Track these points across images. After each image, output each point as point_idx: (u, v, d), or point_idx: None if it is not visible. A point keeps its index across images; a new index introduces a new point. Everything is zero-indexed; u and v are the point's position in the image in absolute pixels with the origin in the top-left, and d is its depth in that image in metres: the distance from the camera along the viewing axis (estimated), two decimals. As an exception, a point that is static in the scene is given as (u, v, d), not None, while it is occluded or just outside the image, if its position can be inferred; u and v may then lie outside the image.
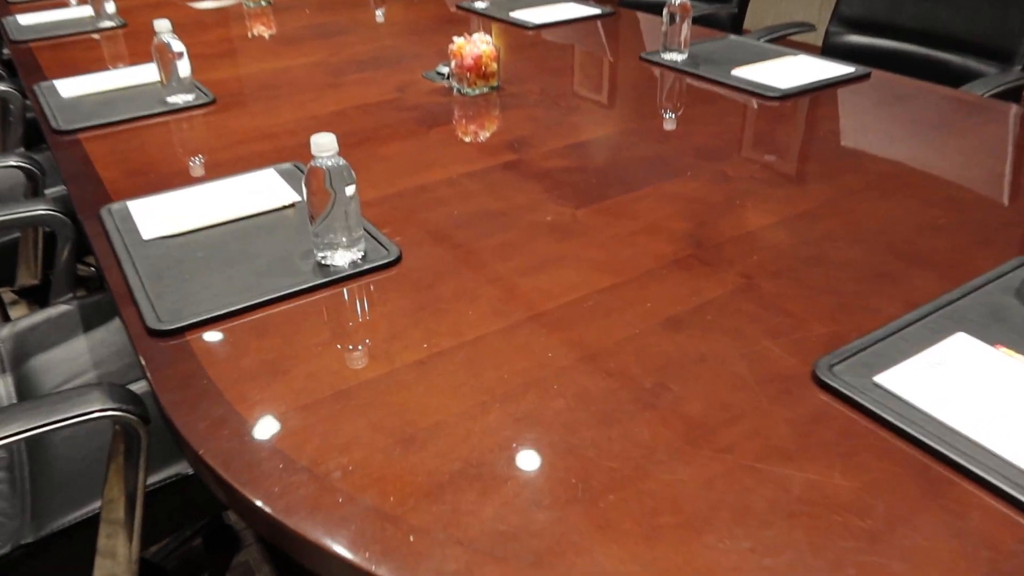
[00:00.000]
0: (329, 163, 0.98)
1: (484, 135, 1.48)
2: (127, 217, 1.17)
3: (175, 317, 0.93)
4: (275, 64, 1.93)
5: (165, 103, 1.66)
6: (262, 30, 2.30)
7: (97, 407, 0.82)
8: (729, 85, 1.65)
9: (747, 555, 0.62)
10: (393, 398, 0.80)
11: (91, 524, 0.94)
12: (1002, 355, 0.82)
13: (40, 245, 1.53)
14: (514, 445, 0.74)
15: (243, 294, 0.97)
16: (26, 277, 1.56)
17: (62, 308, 1.32)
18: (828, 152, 1.34)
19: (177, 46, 1.63)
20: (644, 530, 0.65)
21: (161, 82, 1.67)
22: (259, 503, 0.68)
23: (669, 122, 1.52)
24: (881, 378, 0.79)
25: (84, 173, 1.36)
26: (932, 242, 1.05)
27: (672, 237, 1.08)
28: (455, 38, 1.65)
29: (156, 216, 1.17)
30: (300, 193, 1.22)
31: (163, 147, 1.47)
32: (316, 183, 0.99)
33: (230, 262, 1.04)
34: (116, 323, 1.30)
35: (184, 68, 1.66)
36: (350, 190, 1.00)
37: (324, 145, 0.98)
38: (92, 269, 2.07)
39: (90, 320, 1.30)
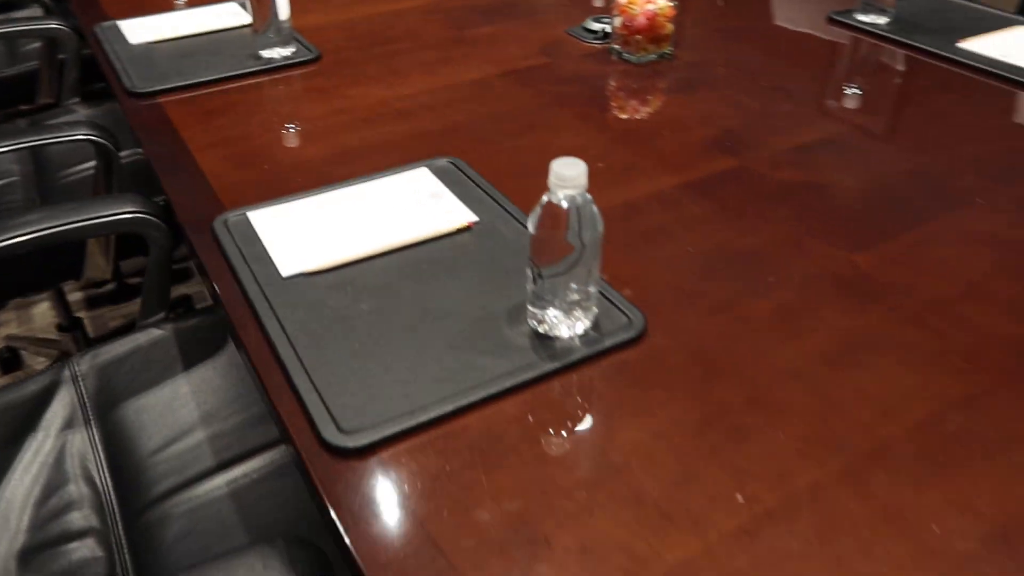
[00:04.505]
0: (579, 201, 0.68)
1: (681, 126, 1.16)
2: (251, 237, 0.88)
3: (359, 423, 0.65)
4: (380, 7, 1.59)
5: (259, 58, 1.34)
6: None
7: (279, 591, 0.55)
8: (962, 63, 1.32)
9: None
10: (729, 606, 0.53)
11: None
12: None
13: (113, 235, 1.25)
14: None
15: (446, 384, 0.69)
16: (95, 270, 1.29)
17: (154, 334, 1.04)
18: None
19: (277, -14, 1.31)
20: None
21: (254, 29, 1.35)
22: None
23: (911, 118, 1.20)
24: None
25: (177, 160, 1.06)
26: None
27: (1013, 311, 0.79)
28: (624, -11, 1.32)
29: (288, 239, 0.88)
30: (471, 203, 0.93)
31: (270, 123, 1.17)
32: (555, 226, 0.69)
33: (410, 325, 0.76)
34: (224, 358, 1.03)
35: (283, 12, 1.33)
36: (598, 238, 0.71)
37: (571, 179, 0.68)
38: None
39: (191, 351, 1.03)
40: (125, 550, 0.83)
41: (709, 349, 0.74)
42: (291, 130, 1.15)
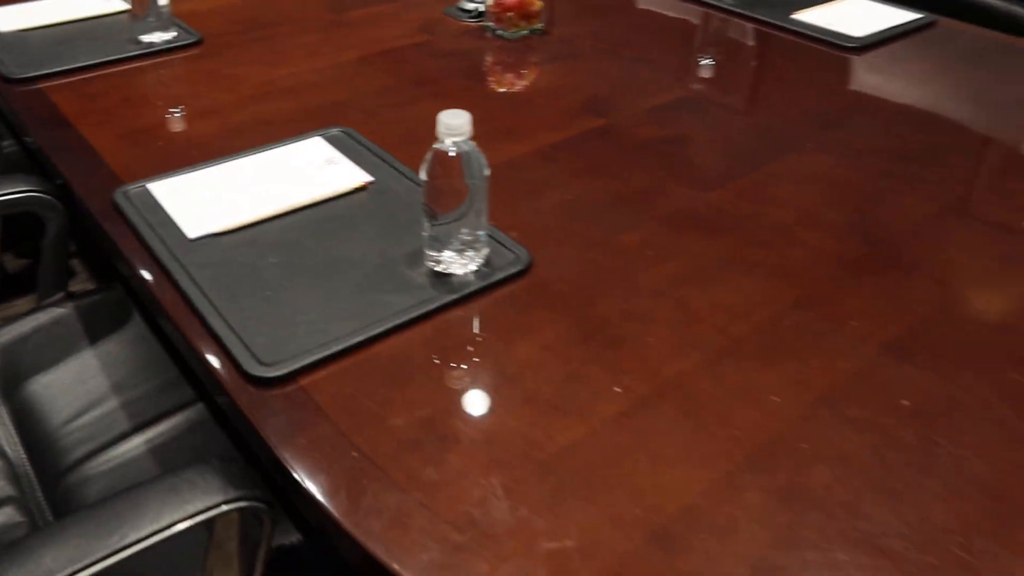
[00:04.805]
0: (465, 148, 0.77)
1: (554, 93, 1.26)
2: (153, 206, 0.92)
3: (279, 355, 0.72)
4: (257, -8, 1.62)
5: (139, 42, 1.35)
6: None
7: (219, 499, 0.61)
8: (796, 31, 1.48)
9: None
10: (613, 472, 0.63)
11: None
12: None
13: (-2, 224, 1.24)
14: (796, 536, 0.59)
15: (354, 320, 0.76)
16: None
17: (55, 312, 1.05)
18: (943, 119, 1.21)
19: (154, -29, 1.32)
20: (1019, 661, 0.52)
21: (133, 14, 1.36)
22: (518, 655, 0.51)
23: (754, 79, 1.35)
24: None
25: (68, 142, 1.07)
26: (1113, 233, 0.95)
27: (837, 231, 0.93)
28: (494, -30, 1.41)
29: (192, 205, 0.92)
30: (365, 168, 1.00)
31: (159, 104, 1.19)
32: (446, 173, 0.77)
33: (318, 273, 0.82)
34: (130, 332, 1.05)
35: (163, -2, 1.35)
36: (484, 182, 0.79)
37: (457, 127, 0.76)
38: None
39: (94, 327, 1.05)
40: (47, 512, 0.86)
41: (587, 277, 0.85)
42: (181, 109, 1.18)
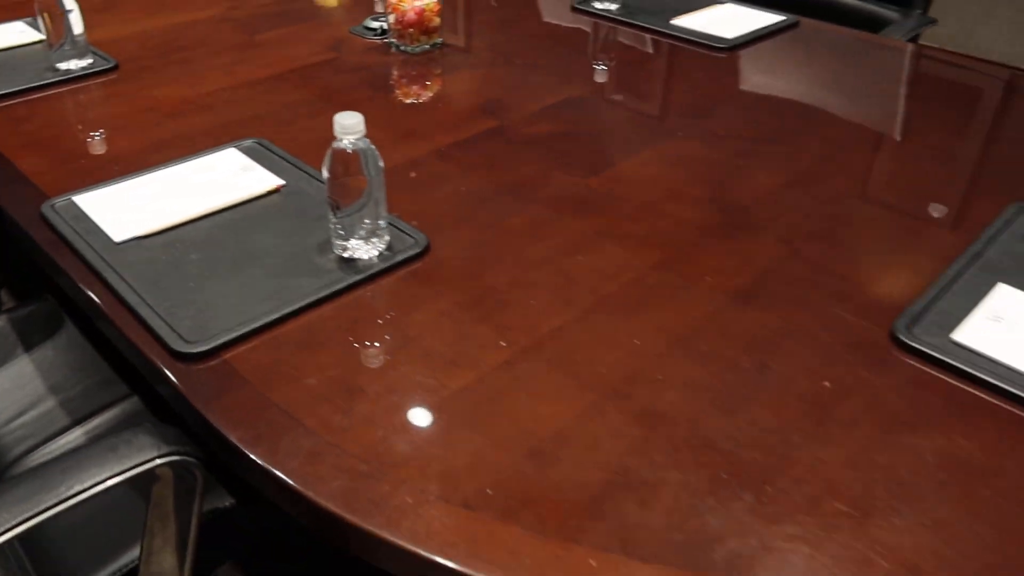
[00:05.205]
0: (361, 145, 0.87)
1: (452, 99, 1.38)
2: (80, 216, 1.00)
3: (203, 335, 0.81)
4: (170, 19, 1.70)
5: (57, 70, 1.42)
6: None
7: (153, 454, 0.70)
8: (673, 36, 1.64)
9: (922, 531, 0.63)
10: (496, 407, 0.74)
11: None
12: (1047, 303, 0.88)
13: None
14: (648, 444, 0.71)
15: (270, 301, 0.86)
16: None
17: (-11, 325, 1.12)
18: (796, 105, 1.37)
19: (68, 2, 1.39)
20: (818, 520, 0.64)
21: (49, 44, 1.43)
22: (413, 548, 0.61)
23: (634, 78, 1.49)
24: (957, 336, 0.82)
25: (-7, 162, 1.14)
26: (933, 192, 1.10)
27: (696, 203, 1.06)
28: (394, -10, 1.52)
29: (117, 214, 1.00)
30: (278, 173, 1.09)
31: (79, 125, 1.26)
32: (345, 168, 0.88)
33: (236, 264, 0.92)
34: (63, 338, 1.12)
35: (77, 26, 1.42)
36: (380, 175, 0.90)
37: (351, 127, 0.87)
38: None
39: (28, 336, 1.11)
40: None
41: (479, 254, 0.96)
42: (102, 130, 1.25)
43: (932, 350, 0.81)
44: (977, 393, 0.77)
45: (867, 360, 0.80)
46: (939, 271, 0.92)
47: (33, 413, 1.02)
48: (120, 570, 0.82)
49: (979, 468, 0.69)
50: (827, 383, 0.77)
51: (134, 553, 0.84)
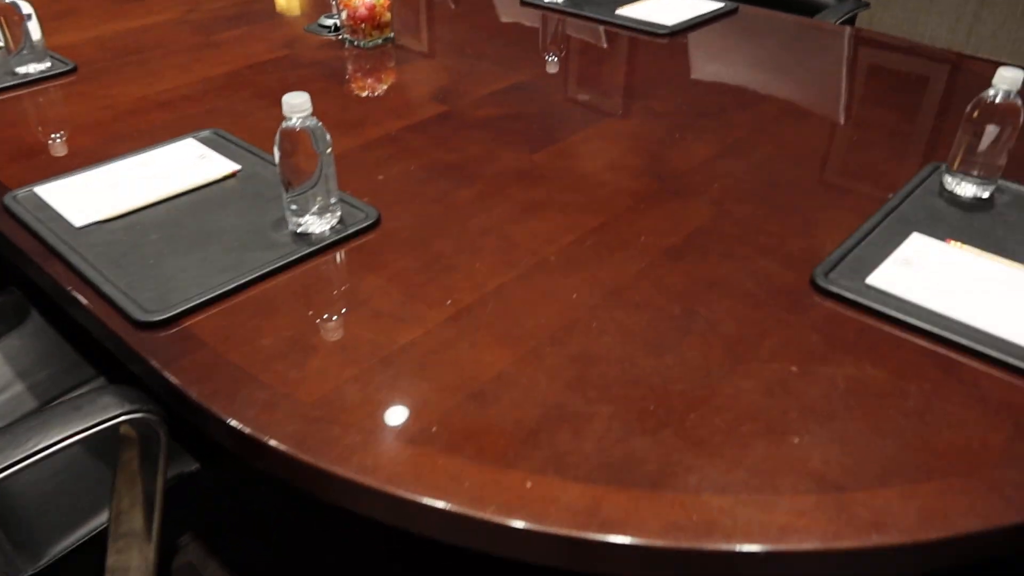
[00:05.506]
0: (309, 123, 0.92)
1: (403, 88, 1.44)
2: (41, 205, 1.03)
3: (163, 306, 0.85)
4: (128, 24, 1.74)
5: (15, 74, 1.45)
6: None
7: (116, 411, 0.74)
8: (618, 24, 1.70)
9: (830, 445, 0.69)
10: (441, 357, 0.79)
11: (88, 546, 0.86)
12: (955, 249, 0.94)
13: None
14: (582, 383, 0.76)
15: (228, 273, 0.90)
16: None
17: (-45, 317, 1.15)
18: (732, 84, 1.44)
19: (25, 7, 1.43)
20: (736, 440, 0.70)
21: (7, 50, 1.46)
22: (362, 480, 0.66)
23: (578, 64, 1.55)
24: (871, 280, 0.89)
25: (-46, 160, 1.17)
26: (856, 158, 1.17)
27: (634, 173, 1.12)
28: (345, -13, 1.57)
29: (78, 201, 1.04)
30: (235, 160, 1.14)
31: (39, 125, 1.30)
32: (296, 147, 0.92)
33: (195, 242, 0.96)
34: (30, 327, 1.15)
35: (35, 32, 1.46)
36: (329, 152, 0.95)
37: (298, 105, 0.92)
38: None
39: (-7, 327, 1.15)
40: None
41: (428, 225, 1.01)
42: (62, 128, 1.29)
43: (847, 292, 0.87)
44: (887, 329, 0.83)
45: (788, 304, 0.87)
46: (859, 225, 0.99)
47: (2, 398, 1.05)
48: (88, 533, 0.86)
49: (885, 391, 0.75)
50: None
51: (102, 518, 0.88)
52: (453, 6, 1.88)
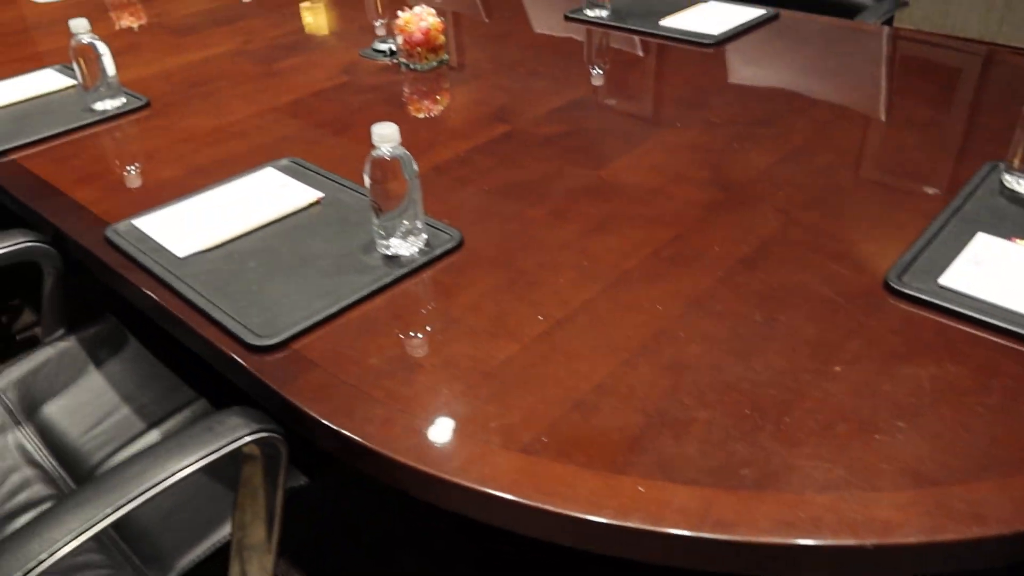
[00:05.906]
0: (398, 152, 0.98)
1: (464, 109, 1.49)
2: (142, 237, 1.10)
3: (272, 330, 0.91)
4: (189, 57, 1.81)
5: (93, 111, 1.53)
6: (132, 21, 2.12)
7: (245, 431, 0.79)
8: (663, 36, 1.75)
9: (919, 441, 0.73)
10: (541, 371, 0.84)
11: (210, 560, 0.92)
12: (1021, 247, 0.98)
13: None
14: (677, 390, 0.80)
15: (328, 297, 0.96)
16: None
17: (59, 346, 1.21)
18: (783, 90, 1.48)
19: (100, 46, 1.50)
20: (831, 440, 0.74)
21: (84, 87, 1.53)
22: (481, 487, 0.71)
23: (630, 77, 1.59)
24: (943, 280, 0.92)
25: (50, 196, 1.24)
26: (913, 159, 1.20)
27: (699, 184, 1.17)
28: (400, 12, 1.63)
29: (176, 232, 1.10)
30: (314, 187, 1.19)
31: (123, 159, 1.37)
32: (386, 174, 0.98)
33: (292, 268, 1.02)
34: (128, 353, 1.22)
35: (111, 68, 1.53)
36: (416, 178, 1.00)
37: (388, 135, 0.97)
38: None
39: (96, 354, 1.21)
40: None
41: (507, 244, 1.06)
42: (145, 161, 1.36)
43: (922, 294, 0.91)
44: (963, 328, 0.87)
45: (865, 308, 0.90)
46: (924, 227, 1.02)
47: (110, 421, 1.11)
48: (212, 547, 0.92)
49: (969, 388, 0.79)
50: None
51: (222, 532, 0.94)
52: (493, 26, 1.94)
